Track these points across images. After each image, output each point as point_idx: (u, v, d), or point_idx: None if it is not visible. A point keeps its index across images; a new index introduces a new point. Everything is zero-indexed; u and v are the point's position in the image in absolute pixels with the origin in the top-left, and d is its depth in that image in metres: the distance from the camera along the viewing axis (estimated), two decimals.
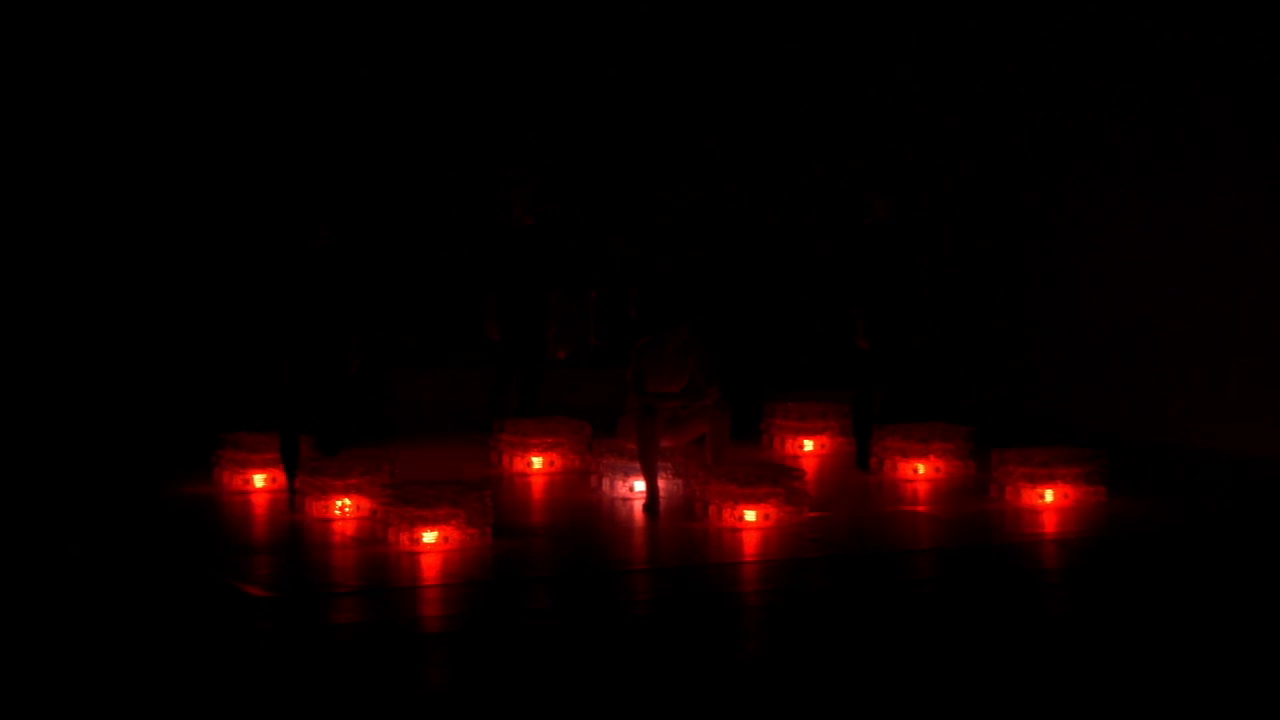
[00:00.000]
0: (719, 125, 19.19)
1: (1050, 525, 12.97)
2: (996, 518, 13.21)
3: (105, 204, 17.89)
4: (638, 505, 13.46)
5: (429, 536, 12.17)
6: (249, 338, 17.02)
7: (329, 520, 13.01)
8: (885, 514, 13.48)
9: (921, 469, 14.33)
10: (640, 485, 13.52)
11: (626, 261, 18.38)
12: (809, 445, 15.31)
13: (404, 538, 12.19)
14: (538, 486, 14.37)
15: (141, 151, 18.03)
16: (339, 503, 13.08)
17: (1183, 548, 12.36)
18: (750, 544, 12.46)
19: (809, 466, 14.69)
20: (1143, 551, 12.28)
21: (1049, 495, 13.36)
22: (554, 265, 15.19)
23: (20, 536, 12.45)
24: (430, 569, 11.82)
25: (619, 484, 13.80)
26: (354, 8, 18.86)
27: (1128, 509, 13.30)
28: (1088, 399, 16.43)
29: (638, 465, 13.49)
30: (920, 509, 13.64)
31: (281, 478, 13.74)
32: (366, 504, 13.05)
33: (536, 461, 14.62)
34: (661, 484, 13.42)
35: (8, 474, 14.32)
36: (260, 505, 13.65)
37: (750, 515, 12.75)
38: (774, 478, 12.86)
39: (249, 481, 13.93)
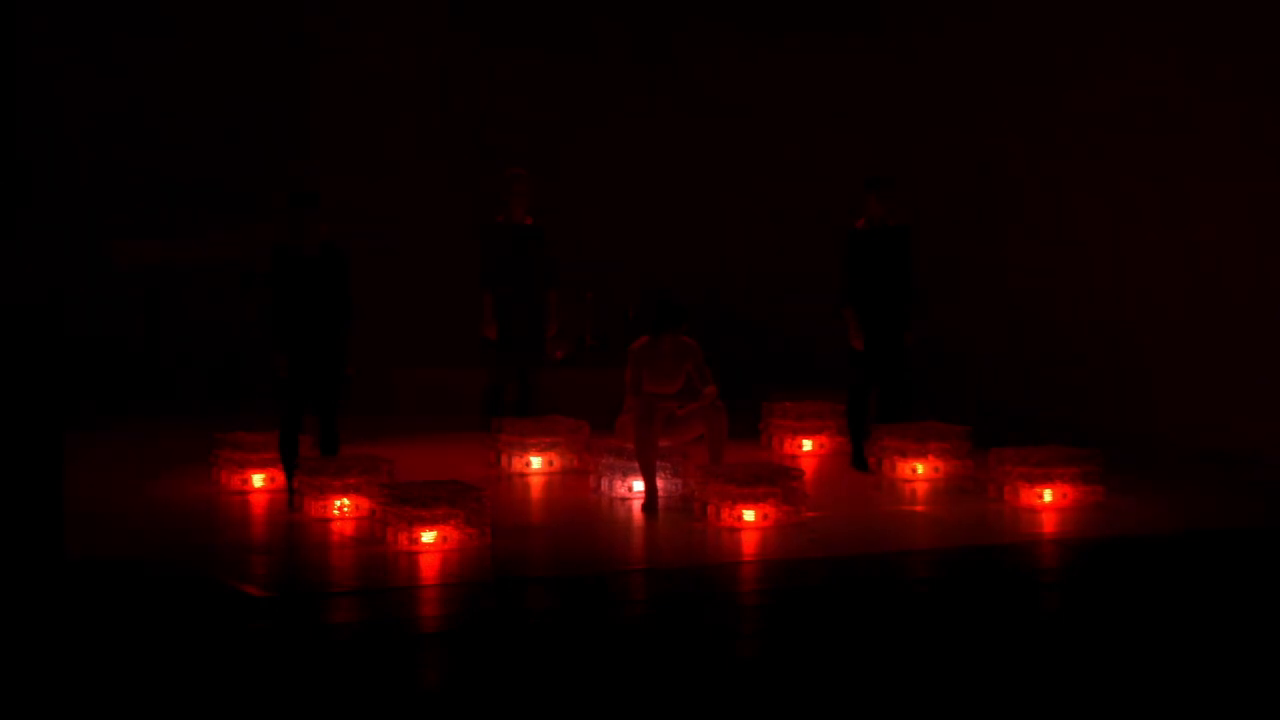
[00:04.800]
0: (716, 123, 19.20)
1: (1048, 525, 12.97)
2: (995, 518, 13.20)
3: (103, 201, 17.91)
4: (636, 505, 13.46)
5: (427, 536, 12.17)
6: (248, 336, 17.03)
7: (327, 520, 13.01)
8: (883, 514, 13.48)
9: (920, 469, 14.32)
10: (638, 485, 13.53)
11: (624, 262, 18.40)
12: (808, 445, 15.31)
13: (402, 538, 12.19)
14: (536, 486, 14.37)
15: (142, 149, 18.04)
16: (337, 503, 13.08)
17: (1181, 548, 12.36)
18: (749, 544, 12.46)
19: (808, 466, 14.69)
20: (1141, 551, 12.28)
21: (1047, 495, 13.36)
22: (552, 265, 15.19)
23: (19, 536, 12.43)
24: (428, 569, 11.82)
25: (617, 484, 13.80)
26: (354, 7, 18.89)
27: (1126, 509, 13.30)
28: (1087, 398, 16.43)
29: (636, 465, 13.49)
30: (918, 509, 13.64)
31: (280, 477, 13.73)
32: (365, 504, 13.05)
33: (535, 461, 14.62)
34: (660, 484, 13.42)
35: (7, 473, 14.30)
36: (259, 505, 13.65)
37: (749, 515, 12.75)
38: (772, 477, 12.86)
39: (247, 481, 13.93)
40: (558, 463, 14.67)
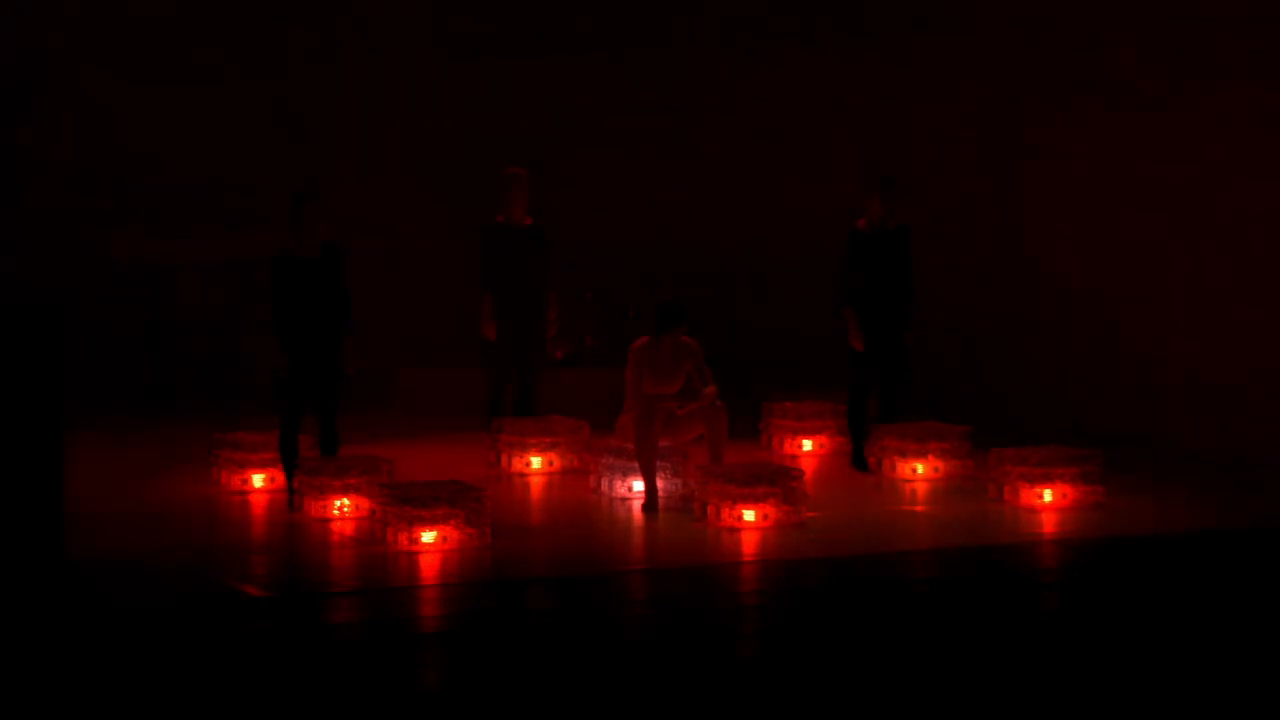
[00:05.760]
0: (715, 123, 19.20)
1: (1048, 525, 12.97)
2: (995, 518, 13.20)
3: (103, 201, 17.92)
4: (636, 505, 13.46)
5: (427, 536, 12.17)
6: (249, 337, 17.04)
7: (327, 520, 13.01)
8: (883, 514, 13.48)
9: (920, 469, 14.32)
10: (638, 485, 13.53)
11: (624, 262, 18.40)
12: (808, 445, 15.31)
13: (402, 538, 12.19)
14: (536, 486, 14.37)
15: (143, 149, 18.06)
16: (337, 503, 13.08)
17: (1181, 548, 12.36)
18: (749, 544, 12.46)
19: (808, 466, 14.69)
20: (1141, 551, 12.28)
21: (1047, 495, 13.36)
22: (551, 265, 15.19)
23: (19, 536, 12.43)
24: (428, 569, 11.82)
25: (617, 484, 13.80)
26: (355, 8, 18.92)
27: (1126, 509, 13.30)
28: (1087, 398, 16.42)
29: (636, 465, 13.49)
30: (918, 509, 13.64)
31: (280, 477, 13.73)
32: (365, 504, 13.05)
33: (535, 461, 14.62)
34: (660, 484, 13.42)
35: (7, 473, 14.29)
36: (259, 505, 13.65)
37: (749, 515, 12.75)
38: (772, 477, 12.86)
39: (247, 481, 13.93)
40: (558, 463, 14.67)
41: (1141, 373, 16.03)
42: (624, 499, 13.69)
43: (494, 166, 15.72)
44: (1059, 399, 16.58)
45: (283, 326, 13.25)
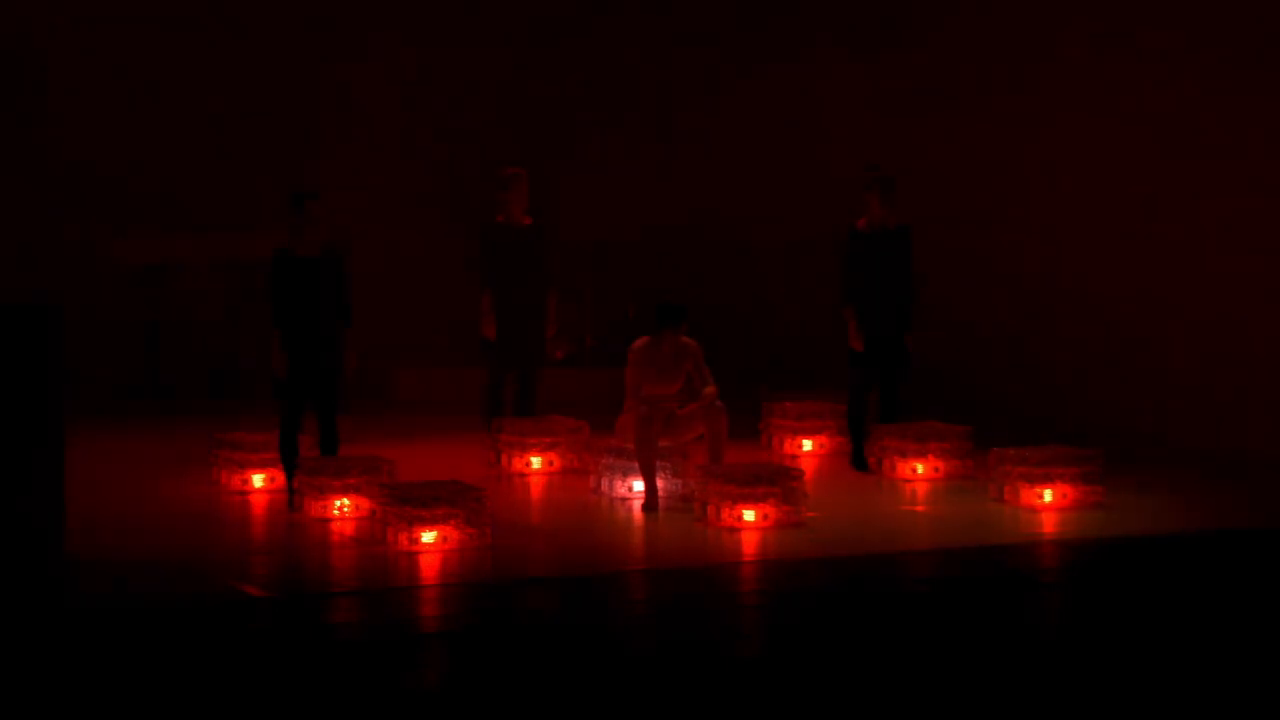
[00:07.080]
0: (715, 122, 19.20)
1: (1048, 525, 12.97)
2: (995, 518, 13.20)
3: (103, 201, 17.93)
4: (636, 505, 13.46)
5: (428, 536, 12.17)
6: (249, 337, 17.04)
7: (328, 520, 13.01)
8: (883, 514, 13.48)
9: (920, 469, 14.33)
10: (638, 485, 13.53)
11: (624, 262, 18.40)
12: (808, 445, 15.31)
13: (402, 538, 12.19)
14: (536, 486, 14.38)
15: (143, 148, 18.07)
16: (337, 503, 13.08)
17: (1181, 548, 12.36)
18: (749, 544, 12.46)
19: (808, 466, 14.69)
20: (1141, 551, 12.28)
21: (1047, 495, 13.36)
22: (551, 265, 15.20)
23: (19, 535, 12.43)
24: (428, 569, 11.82)
25: (617, 484, 13.80)
26: (356, 11, 18.94)
27: (1126, 509, 13.30)
28: (1087, 398, 16.42)
29: (636, 465, 13.49)
30: (918, 509, 13.64)
31: (280, 477, 13.73)
32: (365, 504, 13.05)
33: (535, 461, 14.63)
34: (660, 483, 13.42)
35: (7, 473, 14.30)
36: (259, 505, 13.65)
37: (749, 515, 12.75)
38: (772, 477, 12.86)
39: (247, 481, 13.93)
40: (558, 463, 14.67)
41: (1141, 373, 16.03)
42: (624, 499, 13.69)
43: (494, 166, 15.72)
44: (1059, 399, 16.59)
45: (283, 326, 13.25)
